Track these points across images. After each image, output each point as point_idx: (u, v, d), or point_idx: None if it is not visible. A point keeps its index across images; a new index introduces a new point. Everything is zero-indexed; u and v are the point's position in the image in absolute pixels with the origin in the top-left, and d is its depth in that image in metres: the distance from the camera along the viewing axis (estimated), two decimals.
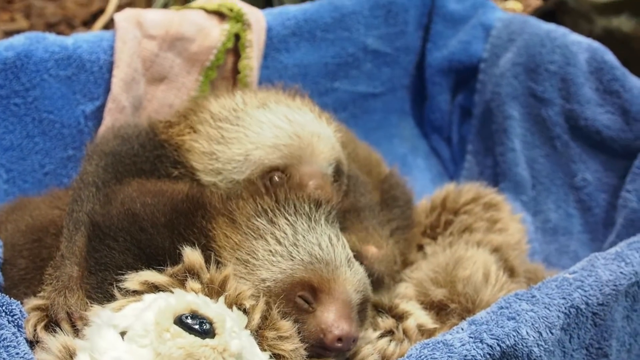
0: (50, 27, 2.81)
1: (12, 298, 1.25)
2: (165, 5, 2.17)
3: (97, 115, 1.82)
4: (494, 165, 2.26)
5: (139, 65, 1.84)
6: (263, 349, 1.14)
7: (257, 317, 1.15)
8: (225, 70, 1.99)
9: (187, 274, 1.17)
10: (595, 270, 1.44)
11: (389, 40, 2.33)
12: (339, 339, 1.17)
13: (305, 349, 1.18)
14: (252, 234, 1.22)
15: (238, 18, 1.95)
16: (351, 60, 2.26)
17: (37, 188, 1.75)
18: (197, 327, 1.03)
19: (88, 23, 2.88)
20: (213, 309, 1.07)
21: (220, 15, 1.96)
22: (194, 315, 1.05)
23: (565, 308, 1.35)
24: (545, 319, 1.32)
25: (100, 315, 1.11)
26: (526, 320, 1.30)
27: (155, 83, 1.90)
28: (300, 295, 1.19)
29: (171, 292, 1.14)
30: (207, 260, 1.20)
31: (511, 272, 1.56)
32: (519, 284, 1.55)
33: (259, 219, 1.23)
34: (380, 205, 1.68)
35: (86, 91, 1.81)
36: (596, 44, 2.08)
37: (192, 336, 1.02)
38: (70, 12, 2.89)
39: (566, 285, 1.39)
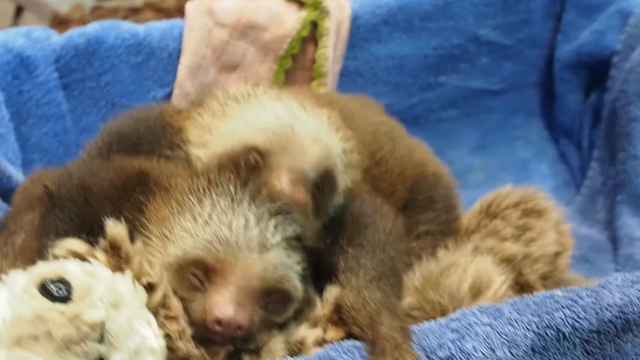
0: None
1: None
2: None
3: (168, 102, 1.88)
4: (616, 174, 1.95)
5: (208, 53, 1.87)
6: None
7: (158, 294, 1.12)
8: (305, 60, 1.95)
9: (109, 247, 1.17)
10: (601, 291, 1.18)
11: (509, 32, 2.12)
12: (219, 322, 1.09)
13: (196, 332, 1.12)
14: (178, 209, 1.18)
15: (316, 5, 1.90)
16: (458, 53, 2.09)
17: None
18: (53, 291, 1.02)
19: None
20: (81, 277, 1.05)
21: (299, 2, 1.93)
22: (61, 281, 1.03)
23: (539, 327, 1.13)
24: (505, 335, 1.11)
25: (10, 276, 1.13)
26: (476, 334, 1.11)
27: (228, 71, 1.92)
28: (194, 274, 1.14)
29: (89, 261, 1.15)
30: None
31: (523, 287, 1.33)
32: None
33: (190, 197, 1.19)
34: (412, 206, 1.55)
35: (156, 78, 1.88)
36: None
37: (45, 299, 1.01)
38: None
39: (549, 303, 1.16)
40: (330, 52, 1.91)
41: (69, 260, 1.11)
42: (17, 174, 1.55)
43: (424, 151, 1.68)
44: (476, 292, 1.28)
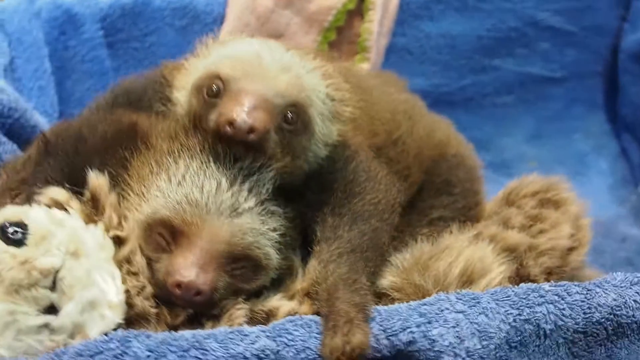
0: None
1: None
2: None
3: None
4: None
5: (252, 21, 1.86)
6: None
7: (125, 249, 1.12)
8: (351, 34, 1.91)
9: (90, 198, 1.18)
10: (594, 290, 1.11)
11: (572, 17, 2.02)
12: (179, 285, 1.07)
13: (159, 293, 1.11)
14: (157, 169, 1.18)
15: None
16: (515, 36, 2.00)
17: None
18: (9, 234, 1.02)
19: None
20: (42, 223, 1.04)
21: None
22: (19, 225, 1.03)
23: (517, 321, 1.06)
24: (477, 325, 1.06)
25: None
26: (445, 321, 1.05)
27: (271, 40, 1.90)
28: (160, 234, 1.12)
29: (67, 211, 1.16)
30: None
31: (523, 280, 1.25)
32: None
33: (168, 157, 1.18)
34: (427, 189, 1.46)
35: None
36: None
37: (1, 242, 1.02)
38: None
39: (532, 296, 1.09)
40: (376, 26, 1.87)
41: (38, 206, 1.11)
42: (44, 126, 1.59)
43: (445, 131, 1.57)
44: (466, 279, 1.21)
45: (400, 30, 1.95)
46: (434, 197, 1.45)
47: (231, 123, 1.08)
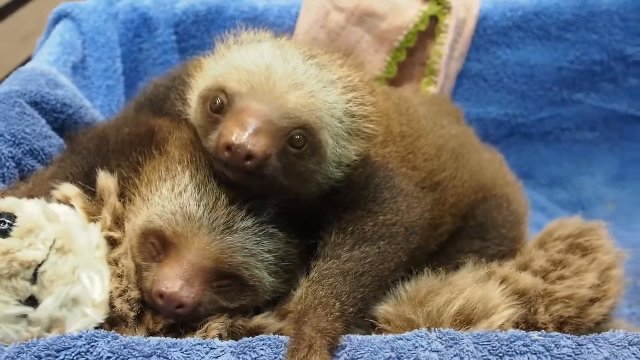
0: None
1: None
2: None
3: None
4: None
5: (322, 35, 1.86)
6: None
7: (116, 252, 1.14)
8: (423, 55, 1.87)
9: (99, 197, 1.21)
10: (587, 345, 1.02)
11: None
12: (161, 295, 1.07)
13: (147, 300, 1.12)
14: (164, 176, 1.18)
15: (439, 0, 1.81)
16: (600, 70, 1.88)
17: None
18: None
19: None
20: (33, 216, 1.06)
21: None
22: (10, 215, 1.05)
23: None
24: None
25: None
26: (416, 359, 1.00)
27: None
28: (152, 243, 1.12)
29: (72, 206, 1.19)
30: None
31: (530, 327, 1.16)
32: None
33: (177, 165, 1.19)
34: (459, 232, 1.38)
35: None
36: None
37: None
38: None
39: (517, 344, 1.02)
40: (446, 50, 1.81)
41: (36, 200, 1.14)
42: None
43: (493, 170, 1.48)
44: (464, 319, 1.14)
45: (476, 56, 1.88)
46: (464, 241, 1.37)
47: (229, 147, 1.03)
